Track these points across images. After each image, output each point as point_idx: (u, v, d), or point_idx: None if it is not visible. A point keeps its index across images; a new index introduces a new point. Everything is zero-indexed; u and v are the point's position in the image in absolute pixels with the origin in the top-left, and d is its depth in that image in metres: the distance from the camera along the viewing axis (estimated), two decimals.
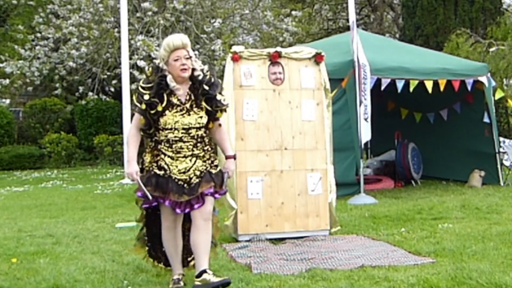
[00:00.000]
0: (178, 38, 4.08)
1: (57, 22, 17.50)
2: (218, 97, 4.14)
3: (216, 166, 4.15)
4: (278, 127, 5.93)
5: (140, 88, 4.08)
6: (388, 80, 9.00)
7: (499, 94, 10.04)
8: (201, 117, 4.09)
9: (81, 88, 19.10)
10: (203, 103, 4.10)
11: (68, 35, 17.28)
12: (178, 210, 4.02)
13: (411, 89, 9.14)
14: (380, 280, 4.13)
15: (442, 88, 9.20)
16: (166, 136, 4.04)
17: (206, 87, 4.09)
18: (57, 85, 19.02)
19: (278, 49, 6.13)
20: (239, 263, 4.82)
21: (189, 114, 4.06)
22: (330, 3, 25.35)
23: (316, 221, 5.93)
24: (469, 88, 9.47)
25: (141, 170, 4.12)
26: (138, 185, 4.06)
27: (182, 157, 4.02)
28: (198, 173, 4.03)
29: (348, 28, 9.57)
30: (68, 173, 16.36)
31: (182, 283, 4.16)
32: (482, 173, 9.84)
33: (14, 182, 13.91)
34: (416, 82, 9.12)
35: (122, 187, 11.81)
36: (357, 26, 9.06)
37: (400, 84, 9.05)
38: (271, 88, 5.98)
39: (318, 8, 25.80)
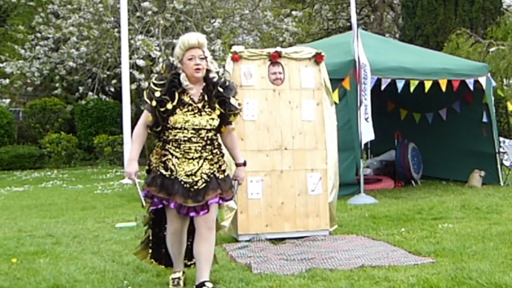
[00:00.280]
0: (194, 37, 3.95)
1: (57, 22, 17.51)
2: (232, 100, 4.03)
3: (224, 171, 4.02)
4: (278, 127, 5.93)
5: (152, 84, 3.94)
6: (389, 80, 9.00)
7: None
8: (212, 118, 3.96)
9: (81, 88, 19.12)
10: (217, 105, 3.98)
11: (68, 35, 17.28)
12: (182, 212, 3.91)
13: (411, 89, 9.15)
14: (380, 280, 4.13)
15: (444, 89, 9.20)
16: (175, 135, 3.91)
17: (221, 89, 3.99)
18: (57, 85, 19.03)
19: (278, 49, 6.12)
20: (239, 263, 4.81)
21: (200, 115, 3.93)
22: (330, 3, 25.37)
23: (316, 221, 5.93)
24: (471, 87, 9.48)
25: (148, 171, 4.03)
26: (144, 184, 3.96)
27: (190, 158, 3.90)
28: (205, 176, 3.90)
29: (348, 28, 9.59)
30: (68, 173, 16.37)
31: (181, 283, 4.14)
32: (482, 173, 9.84)
33: (14, 182, 13.91)
34: (417, 82, 9.13)
35: (122, 187, 11.81)
36: (357, 26, 9.05)
37: (400, 84, 9.06)
38: (271, 88, 5.98)
39: (318, 8, 25.83)
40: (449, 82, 9.33)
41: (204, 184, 3.91)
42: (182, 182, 3.88)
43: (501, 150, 10.09)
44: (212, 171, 3.95)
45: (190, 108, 3.93)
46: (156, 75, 4.11)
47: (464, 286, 3.90)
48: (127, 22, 13.27)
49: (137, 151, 4.00)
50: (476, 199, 8.21)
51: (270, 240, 5.73)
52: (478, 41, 15.75)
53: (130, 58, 14.71)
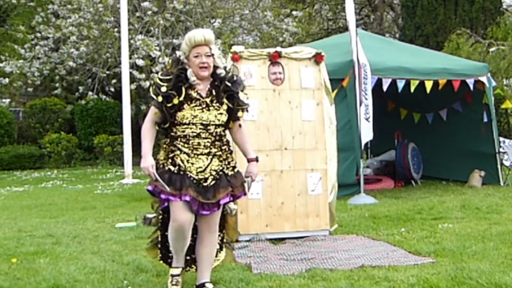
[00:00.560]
0: (201, 34, 3.84)
1: (57, 22, 17.51)
2: (241, 95, 3.99)
3: (234, 167, 3.97)
4: (278, 127, 5.93)
5: (158, 79, 3.86)
6: (389, 80, 9.00)
7: (506, 105, 10.13)
8: (221, 113, 3.89)
9: (81, 88, 19.12)
10: (225, 100, 3.91)
11: (68, 35, 17.29)
12: (194, 208, 3.79)
13: (412, 89, 9.15)
14: (380, 280, 4.13)
15: (440, 87, 9.20)
16: (183, 131, 3.84)
17: (229, 84, 3.93)
18: (57, 85, 19.03)
19: (278, 49, 6.12)
20: (239, 263, 4.81)
21: (208, 110, 3.86)
22: (330, 3, 25.37)
23: (316, 221, 5.93)
24: (471, 87, 9.48)
25: (155, 168, 3.92)
26: (151, 180, 3.87)
27: (199, 154, 3.83)
28: (214, 173, 3.84)
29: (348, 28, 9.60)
30: (68, 173, 16.37)
31: (180, 282, 4.04)
32: (482, 173, 9.84)
33: (14, 182, 13.92)
34: (417, 82, 9.13)
35: (122, 187, 11.81)
36: (357, 26, 9.06)
37: (400, 84, 9.06)
38: (271, 88, 5.98)
39: (318, 8, 25.84)
40: (450, 82, 9.33)
41: (213, 182, 3.86)
42: (192, 178, 3.82)
43: (501, 150, 10.09)
44: (221, 168, 3.90)
45: (198, 103, 3.87)
46: (162, 71, 4.03)
47: (464, 286, 3.90)
48: (127, 22, 13.28)
49: (149, 146, 3.90)
50: (476, 199, 8.20)
51: (270, 240, 5.73)
52: (478, 41, 15.76)
53: (130, 58, 14.72)
